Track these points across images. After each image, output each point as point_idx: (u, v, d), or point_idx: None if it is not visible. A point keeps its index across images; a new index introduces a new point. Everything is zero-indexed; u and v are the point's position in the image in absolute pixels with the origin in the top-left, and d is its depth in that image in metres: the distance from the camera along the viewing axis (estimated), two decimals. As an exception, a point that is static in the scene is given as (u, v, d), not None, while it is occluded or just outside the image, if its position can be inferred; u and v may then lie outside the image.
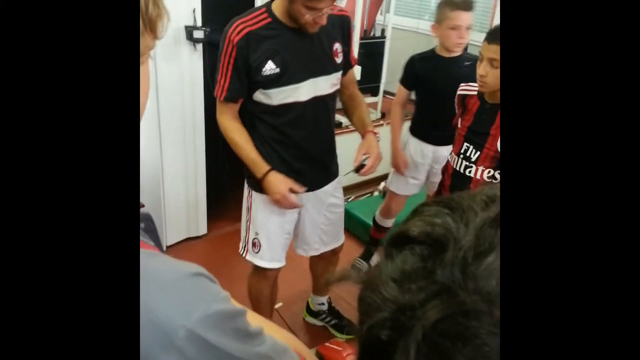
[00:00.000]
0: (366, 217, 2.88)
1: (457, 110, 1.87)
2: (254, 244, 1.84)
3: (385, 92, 3.57)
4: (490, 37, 1.58)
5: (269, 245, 1.83)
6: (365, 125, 1.81)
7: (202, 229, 2.87)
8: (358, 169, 1.74)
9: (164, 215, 2.66)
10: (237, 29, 1.54)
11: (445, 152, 2.22)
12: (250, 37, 1.54)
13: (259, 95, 1.62)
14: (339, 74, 1.73)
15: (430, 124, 2.26)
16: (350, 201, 3.23)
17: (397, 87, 2.34)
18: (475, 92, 1.76)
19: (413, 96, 2.36)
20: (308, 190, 1.80)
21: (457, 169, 1.79)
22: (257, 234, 1.82)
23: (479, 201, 0.35)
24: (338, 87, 1.76)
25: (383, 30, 3.63)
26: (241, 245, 1.89)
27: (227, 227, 2.94)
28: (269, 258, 1.85)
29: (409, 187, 2.40)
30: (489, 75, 1.60)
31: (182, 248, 2.77)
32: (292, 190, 1.67)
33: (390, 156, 2.35)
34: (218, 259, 2.71)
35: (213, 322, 0.53)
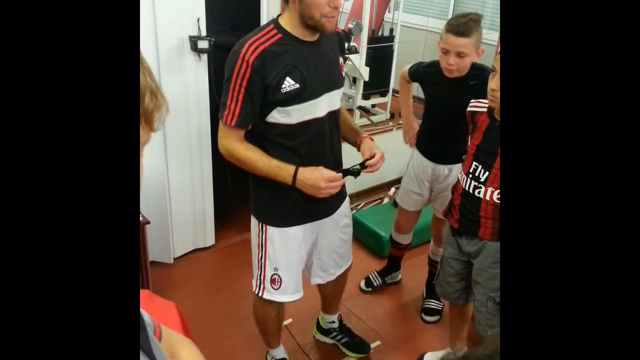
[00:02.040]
0: (376, 226, 2.84)
1: (468, 127, 1.81)
2: (273, 281, 1.76)
3: (395, 92, 3.50)
4: None
5: (290, 278, 1.77)
6: (358, 132, 1.79)
7: (210, 240, 2.84)
8: (362, 165, 1.66)
9: (171, 227, 2.64)
10: (251, 48, 1.45)
11: (445, 171, 2.19)
12: (265, 55, 1.46)
13: (276, 115, 1.53)
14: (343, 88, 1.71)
15: (430, 141, 2.21)
16: (360, 209, 3.18)
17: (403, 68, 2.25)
18: (485, 109, 1.70)
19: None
20: (326, 215, 1.76)
21: (467, 189, 1.73)
22: (276, 269, 1.74)
23: None
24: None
25: (391, 30, 3.55)
26: (255, 284, 1.80)
27: (234, 237, 2.92)
28: (291, 291, 1.80)
29: (412, 202, 2.34)
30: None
31: (190, 259, 2.76)
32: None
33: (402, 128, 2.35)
34: (226, 271, 2.70)
35: None
